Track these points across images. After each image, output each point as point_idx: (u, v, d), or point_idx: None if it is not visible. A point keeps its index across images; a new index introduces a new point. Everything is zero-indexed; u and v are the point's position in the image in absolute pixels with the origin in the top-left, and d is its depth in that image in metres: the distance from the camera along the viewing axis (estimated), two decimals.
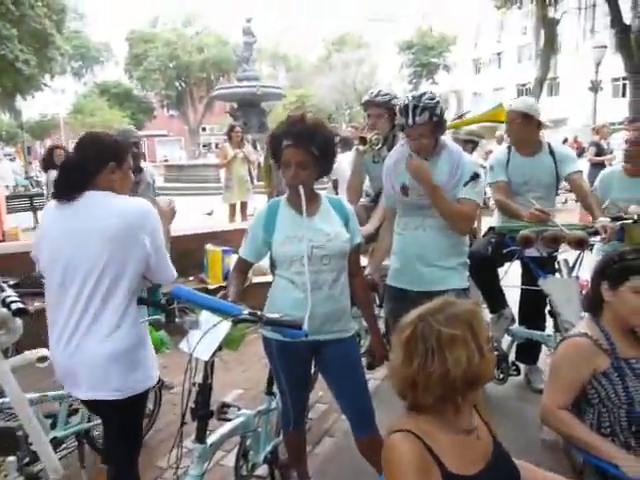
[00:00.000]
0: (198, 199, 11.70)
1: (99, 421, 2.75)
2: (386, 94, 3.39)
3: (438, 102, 2.44)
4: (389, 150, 3.43)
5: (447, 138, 2.71)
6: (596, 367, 1.90)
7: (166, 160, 20.64)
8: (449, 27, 39.28)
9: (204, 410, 1.85)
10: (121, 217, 1.87)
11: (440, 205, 2.51)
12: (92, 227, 1.86)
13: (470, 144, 4.74)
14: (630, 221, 3.23)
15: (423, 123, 2.43)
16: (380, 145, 3.33)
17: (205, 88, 42.87)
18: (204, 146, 34.58)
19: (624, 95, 23.29)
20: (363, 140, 3.31)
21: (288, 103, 36.28)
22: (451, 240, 2.60)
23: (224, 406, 2.14)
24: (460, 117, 4.96)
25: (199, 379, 1.84)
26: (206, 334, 1.76)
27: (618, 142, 9.60)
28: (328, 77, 38.23)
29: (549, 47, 19.35)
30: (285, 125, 2.15)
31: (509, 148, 3.54)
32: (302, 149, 2.08)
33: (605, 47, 15.82)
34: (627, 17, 14.94)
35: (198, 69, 43.01)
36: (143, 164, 4.37)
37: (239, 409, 2.21)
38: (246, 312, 1.82)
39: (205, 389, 1.85)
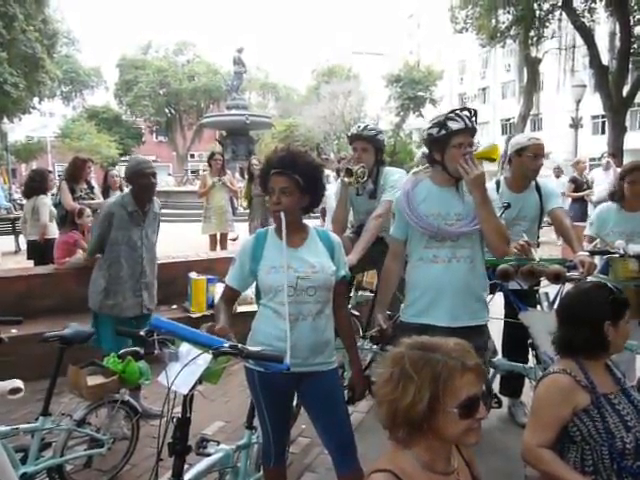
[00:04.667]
0: (185, 226, 11.65)
1: (73, 455, 2.69)
2: (372, 129, 3.46)
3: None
4: (373, 183, 3.49)
5: None
6: (577, 404, 1.90)
7: None
8: (436, 62, 40.23)
9: (182, 446, 1.81)
10: None
11: (490, 219, 2.41)
12: None
13: None
14: (616, 255, 3.29)
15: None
16: (365, 178, 3.37)
17: (195, 115, 43.26)
18: (192, 172, 34.65)
19: (603, 132, 23.93)
20: (349, 172, 3.35)
21: (277, 132, 36.67)
22: (480, 271, 2.57)
23: (203, 440, 2.09)
24: None
25: (179, 413, 1.80)
26: (185, 367, 1.73)
27: (597, 176, 9.85)
28: (317, 107, 38.72)
29: (532, 84, 19.94)
30: (274, 154, 2.21)
31: (497, 184, 3.58)
32: (285, 176, 2.13)
33: (585, 86, 16.28)
34: (605, 58, 15.48)
35: (188, 97, 43.44)
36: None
37: (218, 444, 2.17)
38: (227, 345, 1.80)
39: (184, 424, 1.81)
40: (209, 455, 2.13)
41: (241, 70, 20.22)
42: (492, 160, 4.09)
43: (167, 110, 45.21)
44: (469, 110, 2.47)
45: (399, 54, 42.41)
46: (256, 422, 2.37)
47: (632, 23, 14.81)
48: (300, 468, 3.10)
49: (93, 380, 2.74)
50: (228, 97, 20.96)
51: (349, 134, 3.58)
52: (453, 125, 2.38)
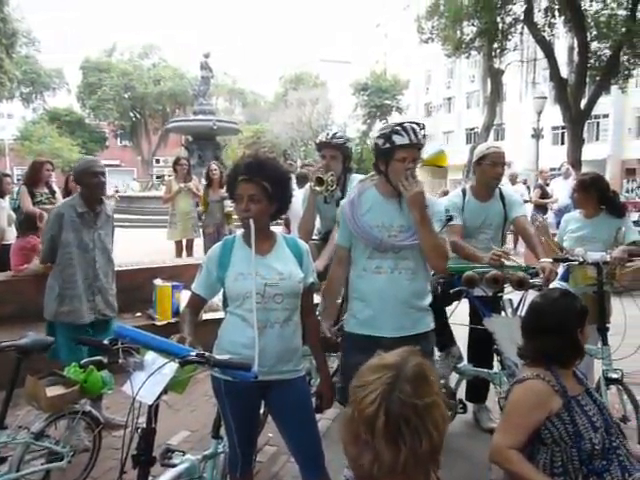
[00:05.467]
0: (150, 232, 11.45)
1: (30, 469, 2.59)
2: (341, 137, 3.48)
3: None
4: (342, 191, 3.50)
5: None
6: (551, 409, 1.95)
7: (117, 191, 20.17)
8: (402, 71, 40.87)
9: (146, 457, 1.77)
10: None
11: (429, 238, 2.40)
12: None
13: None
14: (575, 263, 3.40)
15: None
16: (335, 186, 3.39)
17: (160, 120, 42.67)
18: (157, 177, 34.13)
19: (563, 143, 24.72)
20: (320, 181, 3.35)
21: (244, 138, 36.54)
22: (423, 282, 2.58)
23: (168, 451, 2.05)
24: None
25: (143, 423, 1.76)
26: (150, 376, 1.69)
27: (557, 185, 10.17)
28: (284, 114, 38.80)
29: (495, 95, 20.45)
30: (241, 161, 2.20)
31: (463, 192, 3.65)
32: (253, 182, 2.12)
33: (545, 98, 16.81)
34: (564, 71, 16.01)
35: (154, 101, 42.87)
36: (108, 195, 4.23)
37: (184, 454, 2.13)
38: (194, 353, 1.77)
39: (148, 434, 1.77)
40: (174, 466, 2.08)
41: (208, 75, 20.05)
42: (439, 167, 4.20)
43: (132, 114, 44.50)
44: (417, 124, 2.44)
45: (366, 63, 42.97)
46: (222, 431, 2.34)
47: (589, 39, 15.36)
48: (267, 477, 3.07)
49: (52, 391, 2.65)
50: (195, 102, 20.75)
51: (317, 141, 3.59)
52: (397, 139, 2.36)
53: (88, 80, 41.72)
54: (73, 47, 46.30)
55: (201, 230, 7.87)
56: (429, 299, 2.62)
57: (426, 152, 4.03)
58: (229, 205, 7.10)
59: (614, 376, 3.14)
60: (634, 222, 6.41)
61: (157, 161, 45.64)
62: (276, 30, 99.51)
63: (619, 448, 1.93)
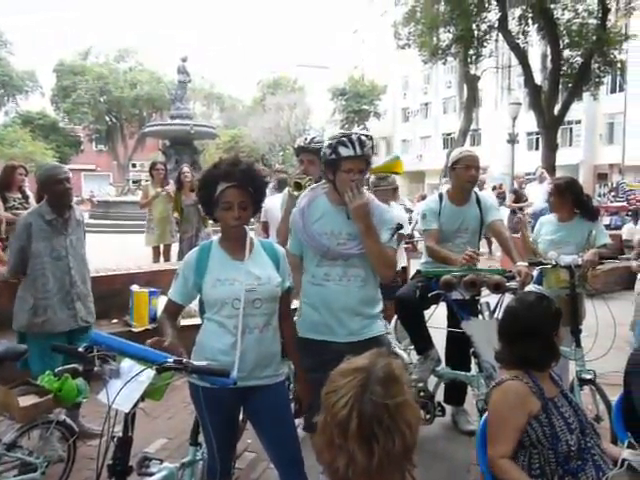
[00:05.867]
0: (127, 237, 11.31)
1: None
2: (319, 141, 3.47)
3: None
4: None
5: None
6: (531, 410, 1.97)
7: (92, 196, 19.89)
8: (380, 77, 41.17)
9: (123, 466, 1.74)
10: None
11: (374, 248, 2.42)
12: None
13: (393, 192, 4.94)
14: (549, 266, 3.46)
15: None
16: None
17: (137, 124, 42.18)
18: (134, 182, 33.72)
19: (537, 148, 25.18)
20: (298, 185, 3.35)
21: (222, 143, 36.36)
22: (373, 290, 2.58)
23: (145, 459, 2.02)
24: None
25: (119, 431, 1.73)
26: (127, 384, 1.67)
27: (532, 190, 10.36)
28: (262, 119, 38.72)
29: (471, 101, 20.73)
30: (224, 166, 2.15)
31: (440, 196, 3.68)
32: (243, 189, 2.11)
33: (520, 104, 17.12)
34: (538, 78, 16.34)
35: (130, 105, 42.37)
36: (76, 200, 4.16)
37: (161, 462, 2.10)
38: (171, 360, 1.76)
39: (125, 443, 1.74)
40: (152, 474, 2.05)
41: (185, 79, 19.89)
42: (397, 173, 4.25)
43: (108, 118, 43.88)
44: (366, 136, 2.46)
45: (344, 68, 43.16)
46: (201, 438, 2.32)
47: (561, 47, 15.72)
48: None
49: (25, 400, 2.59)
50: (172, 106, 20.54)
51: (296, 146, 3.59)
52: (343, 151, 2.37)
53: (62, 83, 41.04)
54: (46, 50, 45.61)
55: (178, 235, 7.78)
56: (380, 306, 2.63)
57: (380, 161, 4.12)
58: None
59: (587, 377, 3.20)
60: (605, 226, 6.59)
61: (134, 165, 45.08)
62: (254, 35, 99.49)
63: (593, 448, 1.97)
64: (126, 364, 1.79)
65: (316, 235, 2.48)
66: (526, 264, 3.28)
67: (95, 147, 46.87)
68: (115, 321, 4.82)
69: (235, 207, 2.10)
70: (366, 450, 1.10)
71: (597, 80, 16.49)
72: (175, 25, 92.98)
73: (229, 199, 2.10)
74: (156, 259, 7.77)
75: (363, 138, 2.41)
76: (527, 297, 2.23)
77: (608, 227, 10.78)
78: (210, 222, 6.07)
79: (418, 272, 3.71)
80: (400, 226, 2.59)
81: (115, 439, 1.72)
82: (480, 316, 3.41)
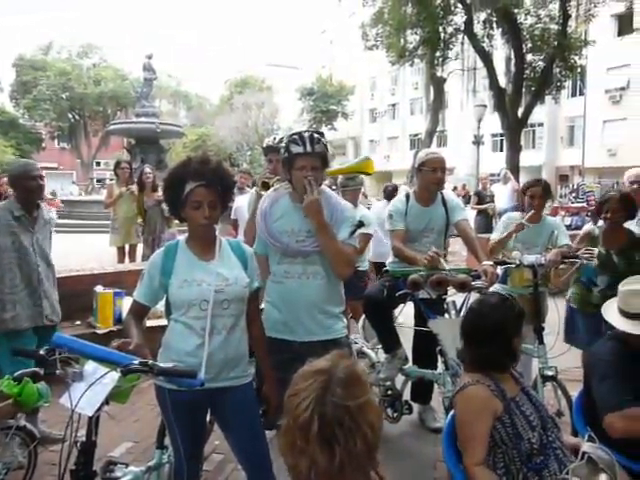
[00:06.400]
0: (91, 237, 11.05)
1: None
2: None
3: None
4: None
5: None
6: (495, 411, 2.00)
7: (53, 194, 19.42)
8: (348, 77, 41.36)
9: (86, 471, 1.70)
10: None
11: (329, 244, 2.43)
12: None
13: (358, 191, 4.97)
14: (513, 266, 3.54)
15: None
16: None
17: (101, 122, 41.32)
18: (98, 181, 32.98)
19: (501, 150, 25.71)
20: (266, 185, 3.34)
21: (189, 142, 35.90)
22: (335, 288, 2.58)
23: (110, 464, 1.98)
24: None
25: (83, 436, 1.69)
26: (91, 387, 1.63)
27: (497, 190, 10.56)
28: (230, 118, 38.39)
29: (438, 103, 21.05)
30: (194, 165, 2.13)
31: (407, 197, 3.72)
32: (212, 189, 2.10)
33: (485, 106, 17.43)
34: (502, 81, 16.69)
35: (94, 102, 41.45)
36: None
37: (127, 466, 2.06)
38: (136, 362, 1.72)
39: (88, 447, 1.71)
40: (117, 479, 2.01)
41: (151, 77, 19.57)
42: (367, 174, 4.30)
43: (70, 115, 42.82)
44: (317, 132, 2.49)
45: (312, 68, 43.20)
46: (167, 441, 2.29)
47: (525, 50, 16.10)
48: None
49: None
50: (137, 104, 20.22)
51: (264, 146, 3.59)
52: (294, 149, 2.41)
53: (22, 78, 39.87)
54: (4, 44, 44.18)
55: (142, 238, 7.64)
56: (342, 307, 2.65)
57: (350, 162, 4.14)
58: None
59: (549, 373, 3.29)
60: (567, 226, 6.78)
61: (98, 164, 44.13)
62: (222, 33, 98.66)
63: (555, 442, 2.02)
64: (90, 367, 1.74)
65: (276, 233, 2.50)
66: (491, 263, 3.34)
67: (57, 145, 45.71)
68: (79, 323, 4.71)
69: (204, 206, 2.08)
70: (327, 452, 1.10)
71: (558, 84, 16.91)
72: (142, 22, 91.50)
73: (198, 198, 2.08)
74: (121, 259, 7.63)
75: (315, 135, 2.43)
76: (489, 299, 2.26)
77: (569, 227, 11.12)
78: (176, 222, 5.97)
79: (386, 271, 3.74)
80: (361, 223, 2.60)
81: (78, 444, 1.68)
82: (446, 315, 3.46)
